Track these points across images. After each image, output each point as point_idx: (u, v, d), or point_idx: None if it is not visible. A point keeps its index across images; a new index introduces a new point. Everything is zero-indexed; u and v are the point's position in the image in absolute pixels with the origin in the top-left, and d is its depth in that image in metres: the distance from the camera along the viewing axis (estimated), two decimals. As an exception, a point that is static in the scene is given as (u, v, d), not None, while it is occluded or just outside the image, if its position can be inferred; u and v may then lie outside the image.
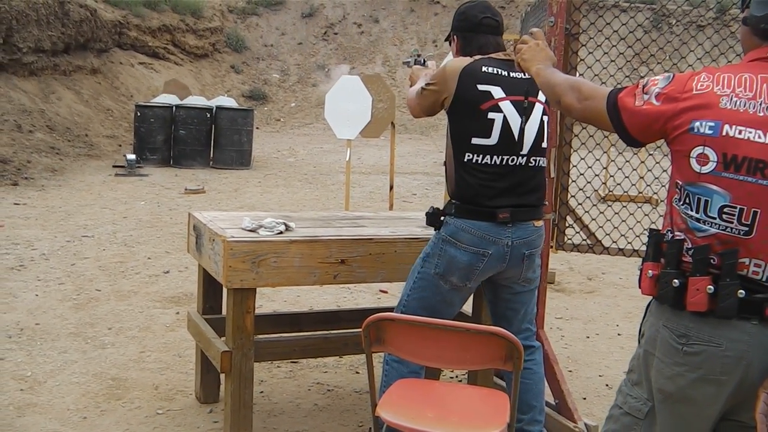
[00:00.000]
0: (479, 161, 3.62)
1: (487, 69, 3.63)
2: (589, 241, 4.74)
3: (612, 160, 7.51)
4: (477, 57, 3.69)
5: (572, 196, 5.08)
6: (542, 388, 4.03)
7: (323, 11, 29.65)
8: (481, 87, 3.60)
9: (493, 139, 3.60)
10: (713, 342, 2.34)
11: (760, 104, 2.27)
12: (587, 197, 5.19)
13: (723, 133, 2.29)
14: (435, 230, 3.79)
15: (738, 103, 2.29)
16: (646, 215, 5.31)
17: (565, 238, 4.68)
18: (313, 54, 28.17)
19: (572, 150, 4.70)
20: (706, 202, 2.34)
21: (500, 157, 3.62)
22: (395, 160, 10.01)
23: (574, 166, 5.15)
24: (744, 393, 2.35)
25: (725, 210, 2.30)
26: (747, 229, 2.28)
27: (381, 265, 4.24)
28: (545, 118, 3.75)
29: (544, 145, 3.76)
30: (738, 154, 2.27)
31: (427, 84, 3.77)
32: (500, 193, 3.63)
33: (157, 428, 4.39)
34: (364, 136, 9.56)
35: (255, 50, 28.26)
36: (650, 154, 8.42)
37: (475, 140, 3.61)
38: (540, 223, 3.79)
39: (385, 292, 7.21)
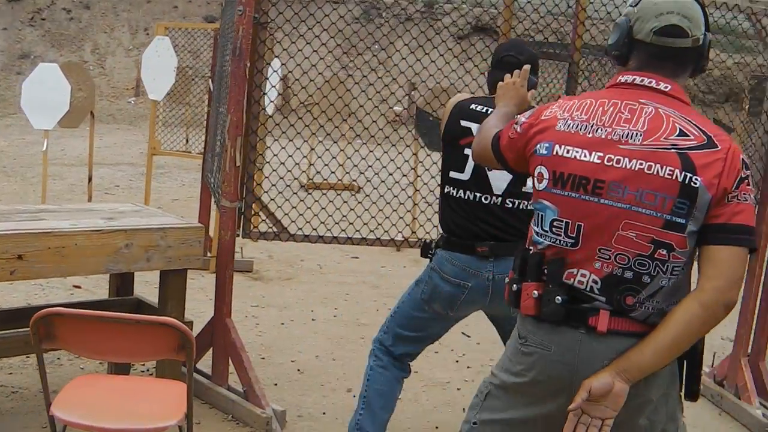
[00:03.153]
0: (455, 194, 3.75)
1: (475, 107, 3.73)
2: (275, 229, 4.81)
3: (312, 149, 7.69)
4: (475, 95, 3.87)
5: (273, 185, 5.15)
6: None
7: (30, -5, 28.17)
8: (463, 123, 3.72)
9: (466, 175, 3.71)
10: (544, 346, 2.45)
11: (591, 126, 2.39)
12: (288, 185, 5.30)
13: (554, 153, 2.43)
14: (429, 261, 3.90)
15: (571, 125, 2.42)
16: (345, 202, 5.47)
17: (252, 226, 4.73)
18: (19, 40, 26.70)
19: (258, 138, 4.76)
20: (542, 216, 2.47)
21: (473, 193, 3.72)
22: (98, 151, 9.71)
23: (275, 155, 5.22)
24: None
25: (554, 224, 2.43)
26: (573, 241, 2.40)
27: (62, 259, 4.10)
28: None
29: (526, 189, 3.66)
30: (565, 172, 2.40)
31: None
32: (478, 227, 3.71)
33: None
34: (62, 126, 9.18)
35: (-48, 35, 26.41)
36: (349, 143, 8.66)
37: (452, 173, 3.75)
38: None
39: (79, 287, 6.98)
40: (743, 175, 2.33)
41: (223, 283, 4.63)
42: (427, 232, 5.33)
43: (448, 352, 6.04)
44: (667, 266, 2.34)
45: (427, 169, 5.77)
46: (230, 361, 4.69)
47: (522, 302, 2.49)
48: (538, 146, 2.48)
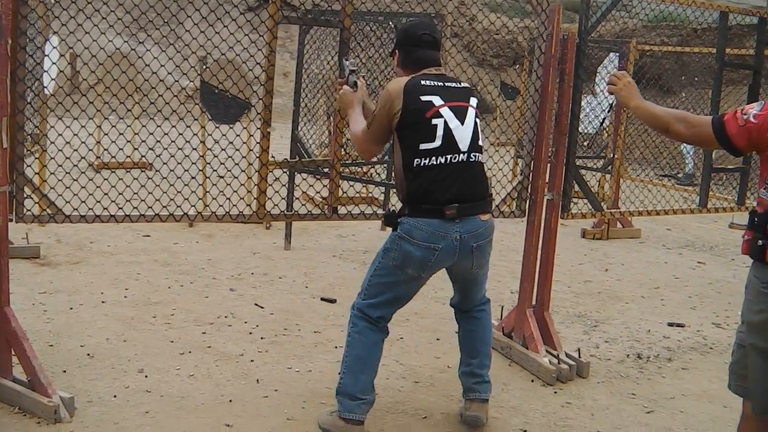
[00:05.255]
0: (426, 163, 4.10)
1: (426, 82, 4.18)
2: (49, 211, 4.62)
3: (98, 126, 7.45)
4: (413, 75, 4.23)
5: (59, 166, 4.92)
6: (489, 336, 4.67)
7: None
8: (423, 98, 4.12)
9: (437, 142, 4.10)
10: None
11: None
12: (75, 165, 5.08)
13: None
14: (392, 230, 4.24)
15: None
16: (135, 179, 5.31)
17: (25, 210, 4.52)
18: None
19: (25, 119, 4.54)
20: None
21: (444, 156, 4.11)
22: None
23: (59, 134, 5.01)
24: None
25: None
26: None
27: None
28: (477, 120, 4.28)
29: (480, 143, 4.28)
30: None
31: (374, 114, 4.23)
32: (447, 189, 4.10)
33: None
34: None
35: None
36: (136, 118, 8.44)
37: (422, 146, 4.10)
38: (486, 216, 4.28)
39: None
40: None
41: (-3, 270, 4.42)
42: (220, 205, 5.25)
43: (242, 325, 6.03)
44: None
45: (216, 142, 5.69)
46: (13, 351, 4.50)
47: None
48: None
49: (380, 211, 5.94)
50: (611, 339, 6.28)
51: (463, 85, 4.33)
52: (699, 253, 9.95)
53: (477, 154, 4.24)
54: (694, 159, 14.91)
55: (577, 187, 5.82)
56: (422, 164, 4.11)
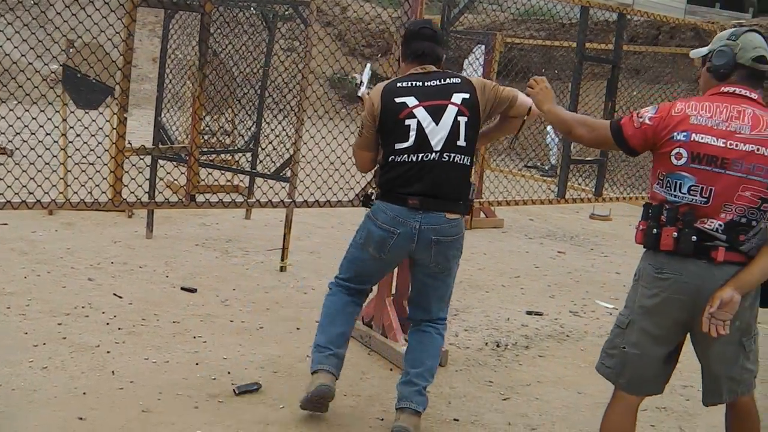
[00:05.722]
0: (398, 160, 4.32)
1: (402, 84, 4.38)
2: None
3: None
4: (392, 79, 4.52)
5: None
6: (437, 352, 4.68)
7: None
8: (398, 99, 4.32)
9: (410, 142, 4.29)
10: (678, 272, 3.53)
11: (715, 122, 3.49)
12: None
13: (692, 139, 3.49)
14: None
15: (702, 120, 3.50)
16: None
17: None
18: None
19: None
20: (679, 183, 3.53)
21: (416, 155, 4.29)
22: None
23: None
24: (698, 309, 3.50)
25: (692, 188, 3.50)
26: (705, 199, 3.48)
27: None
28: (461, 119, 4.32)
29: (460, 143, 4.32)
30: (701, 152, 3.47)
31: (361, 122, 4.47)
32: (413, 184, 4.29)
33: None
34: None
35: None
36: (10, 109, 8.09)
37: (397, 145, 4.32)
38: (453, 215, 4.37)
39: None
40: None
41: None
42: (74, 192, 5.12)
43: (99, 315, 5.90)
44: (767, 215, 3.50)
45: (71, 127, 5.54)
46: None
47: (662, 241, 3.55)
48: (675, 134, 3.53)
49: (239, 199, 5.83)
50: (471, 327, 6.40)
51: (448, 81, 4.41)
52: (559, 242, 10.24)
53: (453, 154, 4.33)
54: (558, 152, 15.28)
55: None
56: (396, 160, 4.34)
